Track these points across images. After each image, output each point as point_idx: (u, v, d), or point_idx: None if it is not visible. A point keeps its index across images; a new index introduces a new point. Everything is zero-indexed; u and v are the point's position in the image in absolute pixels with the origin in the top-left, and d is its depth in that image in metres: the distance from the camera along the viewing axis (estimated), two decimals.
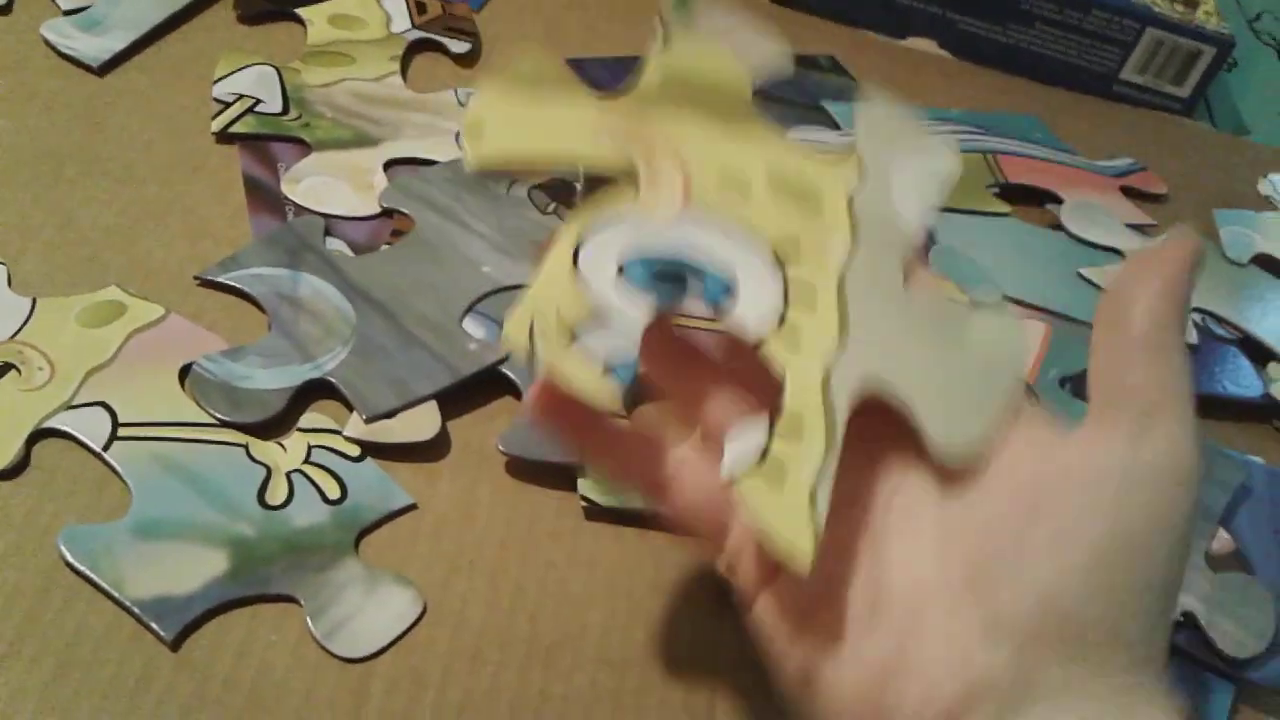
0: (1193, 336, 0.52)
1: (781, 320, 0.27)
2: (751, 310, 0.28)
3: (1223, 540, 0.43)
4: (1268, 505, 0.45)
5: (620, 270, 0.27)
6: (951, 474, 0.27)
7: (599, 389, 0.27)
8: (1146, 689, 0.25)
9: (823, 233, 0.29)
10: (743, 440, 0.27)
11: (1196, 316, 0.53)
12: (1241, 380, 0.51)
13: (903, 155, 0.31)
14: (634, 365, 0.27)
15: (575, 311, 0.27)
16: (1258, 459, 0.47)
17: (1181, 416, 0.26)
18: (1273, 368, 0.53)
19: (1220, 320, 0.54)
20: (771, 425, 0.27)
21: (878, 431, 0.29)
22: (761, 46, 0.31)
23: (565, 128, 0.29)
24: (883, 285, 0.29)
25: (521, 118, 0.29)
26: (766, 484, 0.26)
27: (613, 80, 0.59)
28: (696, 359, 0.32)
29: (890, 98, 0.32)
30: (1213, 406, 0.50)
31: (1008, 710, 0.25)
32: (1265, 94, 0.77)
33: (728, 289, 0.28)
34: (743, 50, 0.31)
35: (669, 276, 0.28)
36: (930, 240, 0.53)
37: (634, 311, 0.27)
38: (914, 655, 0.26)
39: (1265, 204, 0.63)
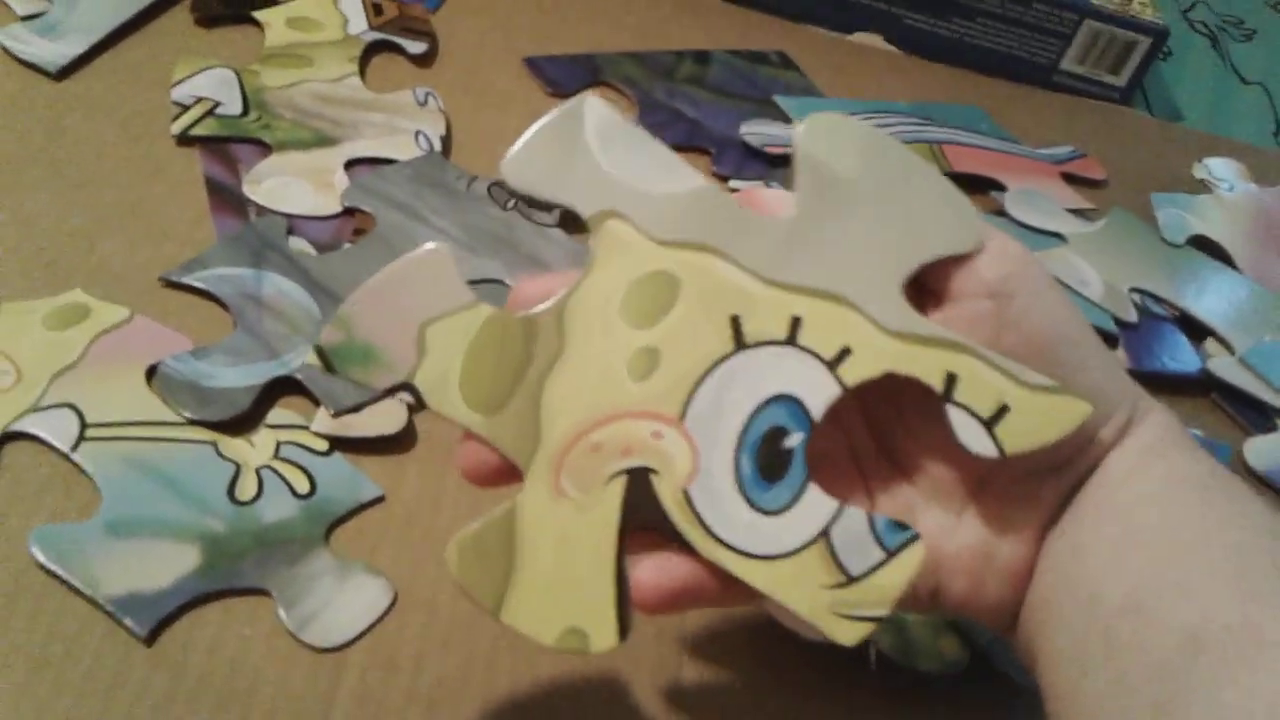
0: (1132, 315, 0.54)
1: (831, 358, 0.27)
2: (819, 388, 0.27)
3: None
4: None
5: (749, 502, 0.27)
6: None
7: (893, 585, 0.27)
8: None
9: (710, 286, 0.27)
10: (962, 430, 0.27)
11: (1136, 297, 0.55)
12: (1179, 356, 0.53)
13: (596, 157, 0.28)
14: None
15: (830, 574, 0.27)
16: (1197, 431, 0.49)
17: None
18: (1209, 343, 0.55)
19: (1158, 299, 0.56)
20: (949, 392, 0.27)
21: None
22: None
23: (584, 555, 0.27)
24: (769, 238, 0.27)
25: (568, 599, 0.27)
26: (1015, 421, 0.27)
27: (569, 79, 0.60)
28: None
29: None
30: (1152, 382, 0.52)
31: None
32: (1199, 81, 0.80)
33: (794, 401, 0.27)
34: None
35: (766, 456, 0.27)
36: None
37: (816, 499, 0.27)
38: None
39: (1200, 187, 0.66)
